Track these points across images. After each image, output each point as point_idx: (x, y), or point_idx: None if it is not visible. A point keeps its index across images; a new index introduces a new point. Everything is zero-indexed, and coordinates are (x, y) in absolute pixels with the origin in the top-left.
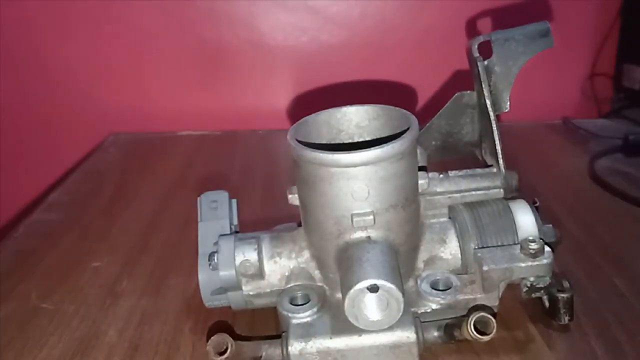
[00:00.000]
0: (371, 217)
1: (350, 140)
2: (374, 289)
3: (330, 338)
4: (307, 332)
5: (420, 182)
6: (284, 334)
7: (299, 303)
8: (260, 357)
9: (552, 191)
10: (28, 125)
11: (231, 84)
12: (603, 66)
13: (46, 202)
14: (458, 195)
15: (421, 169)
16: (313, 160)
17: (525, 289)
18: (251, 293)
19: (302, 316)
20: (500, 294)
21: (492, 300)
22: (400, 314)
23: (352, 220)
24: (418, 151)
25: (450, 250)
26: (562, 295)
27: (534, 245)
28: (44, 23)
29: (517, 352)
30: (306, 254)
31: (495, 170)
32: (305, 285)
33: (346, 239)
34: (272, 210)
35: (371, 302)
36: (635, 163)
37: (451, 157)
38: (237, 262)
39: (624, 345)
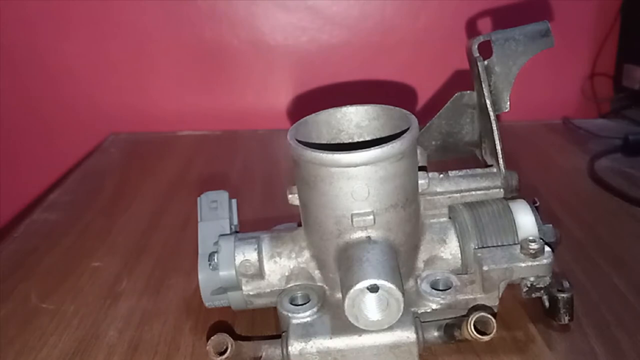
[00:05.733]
0: (371, 217)
1: (350, 140)
2: (374, 289)
3: (330, 338)
4: (307, 332)
5: (420, 182)
6: (284, 334)
7: (299, 303)
8: (260, 357)
9: (552, 191)
10: (28, 125)
11: (231, 83)
12: (603, 66)
13: (46, 202)
14: (458, 195)
15: (421, 169)
16: (313, 160)
17: (525, 289)
18: (251, 293)
19: (302, 316)
20: (500, 294)
21: (492, 300)
22: (400, 314)
23: (352, 220)
24: (418, 151)
25: (450, 250)
26: (562, 295)
27: (534, 245)
28: (44, 23)
29: (517, 352)
30: (306, 254)
31: (495, 170)
32: (305, 285)
33: (346, 239)
34: (272, 210)
35: (371, 302)
36: (635, 163)
37: (451, 157)
38: (237, 262)
39: (623, 345)
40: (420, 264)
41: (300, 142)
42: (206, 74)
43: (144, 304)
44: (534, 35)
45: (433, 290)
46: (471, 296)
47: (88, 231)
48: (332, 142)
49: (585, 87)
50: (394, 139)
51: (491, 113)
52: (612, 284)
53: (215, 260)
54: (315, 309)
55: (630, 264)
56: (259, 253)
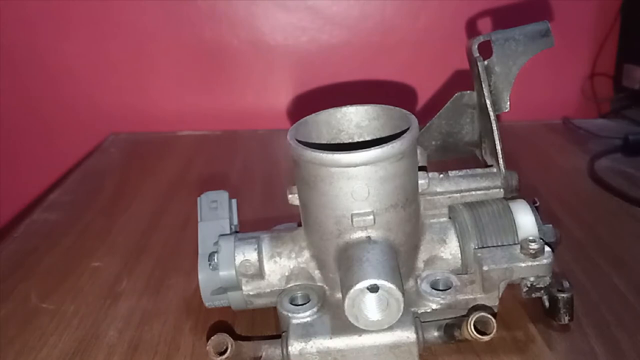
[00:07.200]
0: (371, 217)
1: (350, 140)
2: (374, 289)
3: (330, 338)
4: (307, 332)
5: (420, 182)
6: (284, 334)
7: (299, 303)
8: (260, 357)
9: (552, 191)
10: (28, 125)
11: (231, 84)
12: (603, 66)
13: (46, 202)
14: (458, 195)
15: (421, 169)
16: (313, 160)
17: (525, 289)
18: (251, 293)
19: (302, 316)
20: (500, 294)
21: (492, 300)
22: (400, 314)
23: (352, 220)
24: (418, 151)
25: (450, 250)
26: (562, 295)
27: (534, 245)
28: (44, 23)
29: (517, 352)
30: (306, 254)
31: (495, 170)
32: (305, 285)
33: (346, 239)
34: (272, 210)
35: (371, 302)
36: (635, 163)
37: (451, 157)
38: (237, 262)
39: (623, 345)
40: (420, 264)
41: (300, 142)
42: (206, 74)
43: (144, 304)
44: (534, 35)
45: (433, 290)
46: (471, 296)
47: (88, 231)
48: (332, 142)
49: (585, 87)
50: (394, 139)
51: (491, 113)
52: (612, 284)
53: (215, 260)
54: (315, 309)
55: (630, 264)
56: (259, 253)
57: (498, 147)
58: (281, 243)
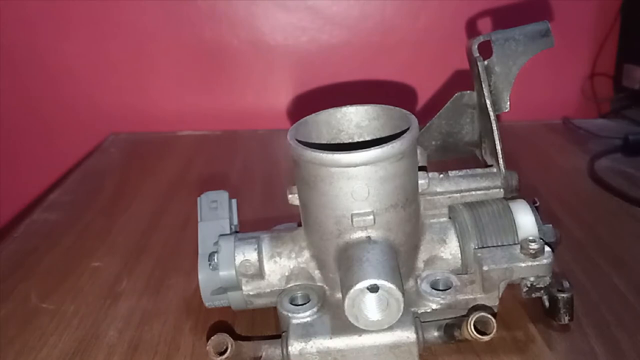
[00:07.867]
0: (371, 217)
1: (350, 140)
2: (374, 289)
3: (330, 338)
4: (307, 332)
5: (420, 182)
6: (284, 334)
7: (299, 303)
8: (260, 357)
9: (552, 191)
10: (28, 125)
11: (231, 83)
12: (603, 66)
13: (46, 202)
14: (458, 195)
15: (421, 169)
16: (313, 160)
17: (525, 289)
18: (251, 293)
19: (302, 316)
20: (500, 294)
21: (492, 300)
22: (400, 314)
23: (352, 220)
24: (418, 151)
25: (450, 250)
26: (562, 295)
27: (534, 245)
28: (44, 23)
29: (517, 352)
30: (306, 254)
31: (495, 170)
32: (305, 285)
33: (346, 239)
34: (272, 210)
35: (371, 302)
36: (635, 163)
37: (451, 157)
38: (237, 262)
39: (623, 345)
40: (420, 264)
41: (300, 142)
42: (206, 74)
43: (144, 304)
44: (534, 35)
45: (433, 290)
46: (471, 296)
47: (88, 231)
48: (332, 142)
49: (585, 87)
50: (394, 139)
51: (491, 113)
52: (612, 284)
53: (215, 260)
54: (315, 309)
55: (630, 264)
56: (259, 253)
57: (498, 147)
58: (281, 243)
